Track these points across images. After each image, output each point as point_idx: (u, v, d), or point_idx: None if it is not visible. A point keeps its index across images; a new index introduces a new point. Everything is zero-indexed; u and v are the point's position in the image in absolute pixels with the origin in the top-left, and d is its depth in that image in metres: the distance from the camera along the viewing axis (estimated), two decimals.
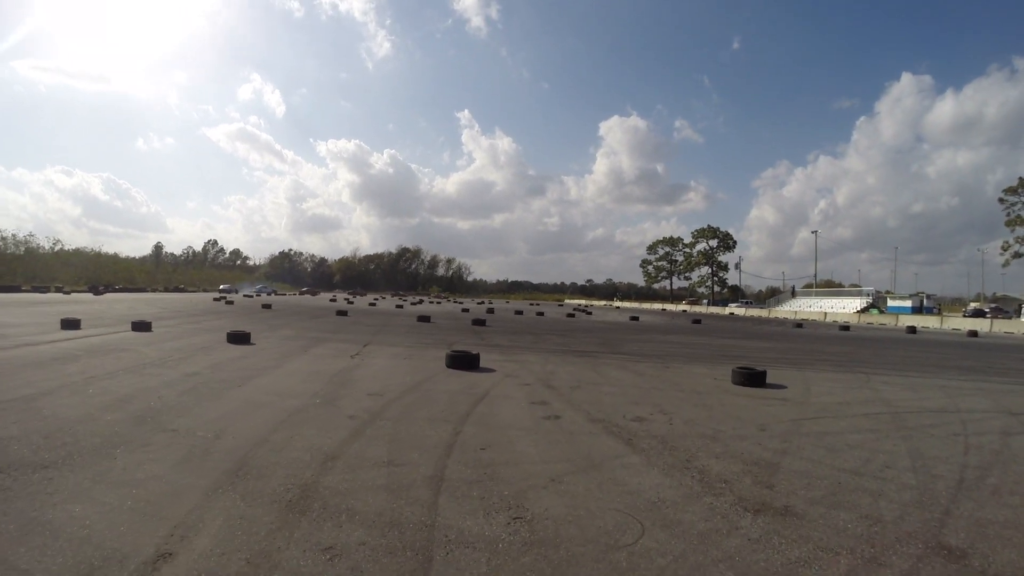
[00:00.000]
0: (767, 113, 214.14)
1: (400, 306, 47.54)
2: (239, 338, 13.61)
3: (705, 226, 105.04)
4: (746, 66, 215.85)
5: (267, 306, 36.52)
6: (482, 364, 11.08)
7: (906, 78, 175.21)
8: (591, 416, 7.30)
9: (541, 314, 41.94)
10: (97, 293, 49.37)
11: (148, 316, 19.78)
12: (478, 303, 70.02)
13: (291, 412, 6.58)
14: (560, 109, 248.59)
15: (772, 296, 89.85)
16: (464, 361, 10.77)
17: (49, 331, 14.98)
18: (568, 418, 7.10)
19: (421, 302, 67.02)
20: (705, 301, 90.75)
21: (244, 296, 63.16)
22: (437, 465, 4.85)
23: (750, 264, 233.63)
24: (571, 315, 41.98)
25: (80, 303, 31.73)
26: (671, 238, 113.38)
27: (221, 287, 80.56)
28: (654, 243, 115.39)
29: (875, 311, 58.25)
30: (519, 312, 44.18)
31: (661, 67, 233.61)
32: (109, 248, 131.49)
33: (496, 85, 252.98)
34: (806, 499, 4.49)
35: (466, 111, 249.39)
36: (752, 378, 10.02)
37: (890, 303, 63.19)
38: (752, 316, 59.72)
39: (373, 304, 50.80)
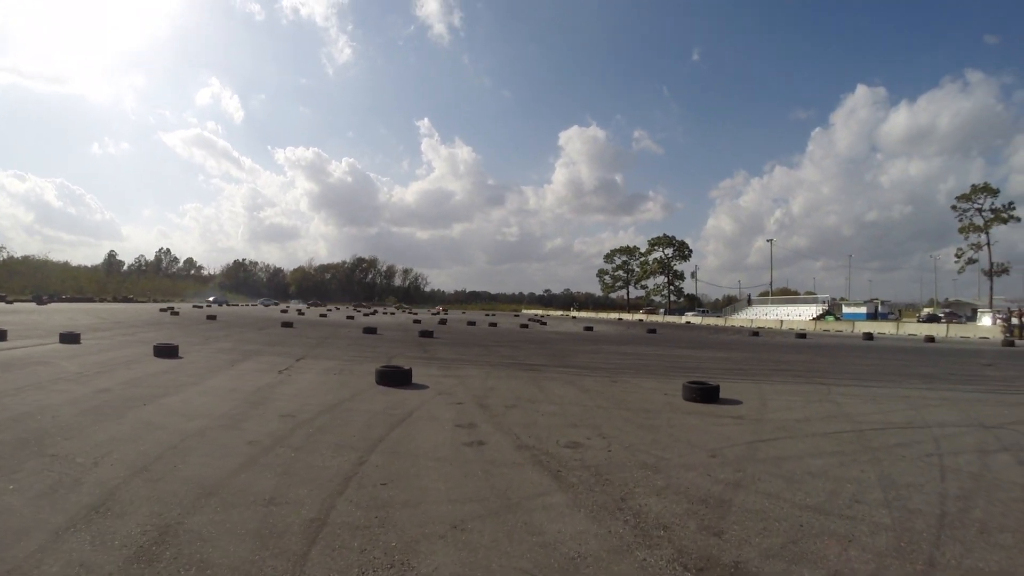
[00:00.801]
0: (725, 123, 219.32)
1: (351, 317, 46.18)
2: (166, 351, 13.10)
3: (661, 235, 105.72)
4: (706, 77, 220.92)
5: (212, 317, 34.85)
6: (417, 380, 10.48)
7: (861, 90, 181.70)
8: (520, 442, 6.36)
9: (495, 325, 41.21)
10: (41, 303, 47.18)
11: (85, 327, 19.32)
12: (432, 313, 68.88)
13: (187, 436, 6.00)
14: (520, 118, 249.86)
15: (729, 304, 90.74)
16: (395, 377, 10.05)
17: None
18: (493, 444, 6.21)
19: (375, 313, 65.53)
20: (662, 310, 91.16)
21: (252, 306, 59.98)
22: (324, 505, 4.16)
23: (707, 273, 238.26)
24: (525, 326, 41.32)
25: (19, 313, 29.80)
26: (628, 247, 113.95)
27: (211, 299, 77.65)
28: (611, 252, 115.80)
29: (831, 318, 59.10)
30: (472, 323, 43.27)
31: (621, 77, 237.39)
32: (63, 256, 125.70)
33: (457, 93, 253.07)
34: (761, 550, 3.61)
35: (426, 119, 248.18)
36: (704, 394, 9.19)
37: (845, 310, 64.34)
38: (708, 325, 59.87)
39: (324, 316, 49.33)
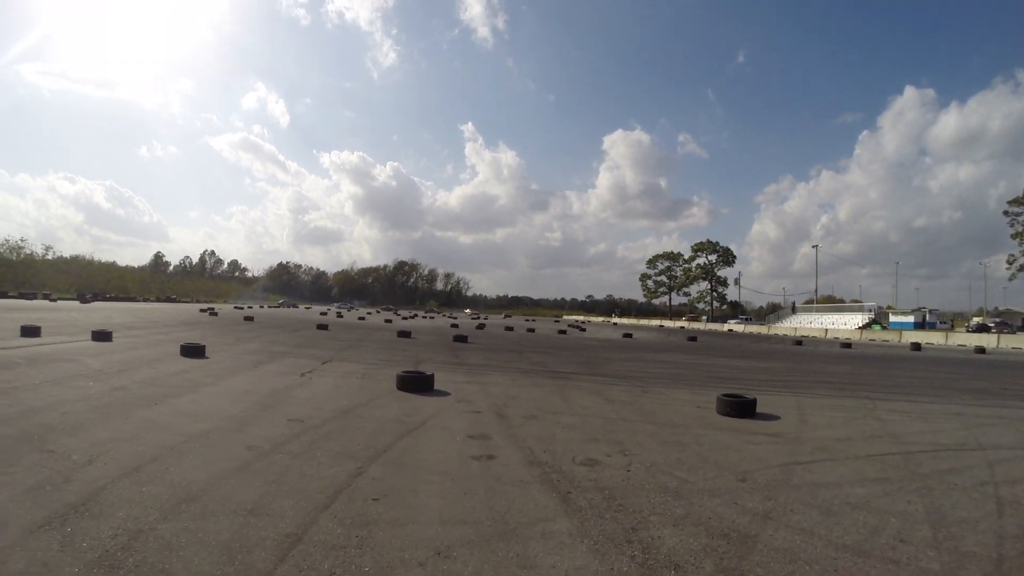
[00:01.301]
0: (771, 127, 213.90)
1: (389, 320, 46.57)
2: (193, 351, 13.05)
3: (705, 240, 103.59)
4: (751, 80, 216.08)
5: (249, 318, 35.29)
6: (440, 386, 10.13)
7: (909, 92, 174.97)
8: (533, 457, 5.95)
9: (532, 331, 40.62)
10: (84, 301, 48.40)
11: (120, 325, 19.81)
12: (472, 318, 68.76)
13: (189, 438, 5.86)
14: (564, 122, 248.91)
15: (772, 312, 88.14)
16: (416, 383, 9.69)
17: (5, 338, 14.41)
18: (503, 459, 5.80)
19: (414, 316, 65.85)
20: (704, 317, 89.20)
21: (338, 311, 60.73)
22: (305, 520, 3.91)
23: (751, 280, 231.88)
24: (563, 332, 40.81)
25: (60, 311, 30.67)
26: (671, 253, 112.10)
27: (337, 305, 77.91)
28: (654, 257, 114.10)
29: (877, 327, 56.73)
30: (510, 328, 42.73)
31: (665, 80, 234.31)
32: (111, 256, 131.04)
33: (501, 97, 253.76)
34: None
35: (470, 124, 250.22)
36: (740, 408, 8.64)
37: (892, 319, 61.67)
38: (751, 333, 58.25)
39: (362, 318, 49.79)
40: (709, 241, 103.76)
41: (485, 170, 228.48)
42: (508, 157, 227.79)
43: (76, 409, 6.95)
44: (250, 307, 68.18)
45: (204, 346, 13.55)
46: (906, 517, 4.51)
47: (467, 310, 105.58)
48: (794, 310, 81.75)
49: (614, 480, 5.32)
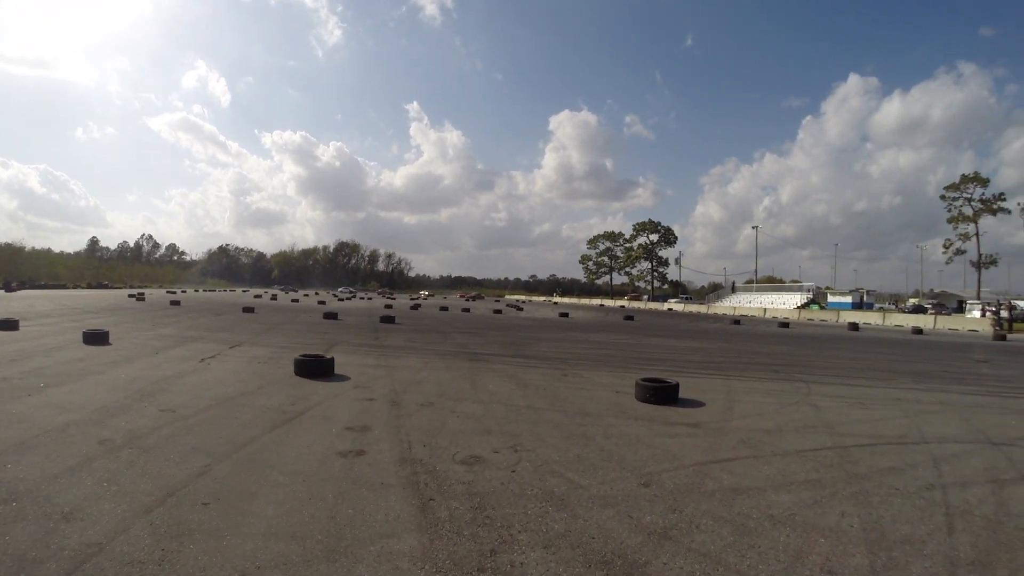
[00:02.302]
0: (717, 110, 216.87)
1: (323, 302, 44.59)
2: (96, 338, 12.62)
3: (647, 220, 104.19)
4: (699, 62, 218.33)
5: (176, 303, 33.26)
6: (344, 370, 9.73)
7: (853, 79, 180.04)
8: (408, 454, 5.11)
9: (467, 311, 39.76)
10: (9, 290, 45.83)
11: (36, 313, 19.99)
12: (412, 299, 67.27)
13: (45, 431, 5.45)
14: (511, 102, 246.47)
15: (714, 292, 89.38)
16: (314, 368, 9.09)
17: None
18: (374, 455, 5.05)
19: (352, 297, 63.84)
20: (646, 297, 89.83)
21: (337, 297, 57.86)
22: (117, 527, 3.39)
23: (695, 260, 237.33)
24: (498, 311, 39.98)
25: None
26: (611, 233, 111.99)
27: (339, 290, 75.28)
28: (594, 238, 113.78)
29: (815, 307, 57.92)
30: (444, 308, 41.76)
31: (613, 61, 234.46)
32: (46, 243, 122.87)
33: (448, 77, 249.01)
34: None
35: (415, 103, 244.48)
36: (660, 393, 7.72)
37: (831, 299, 63.12)
38: (690, 312, 58.64)
39: (296, 300, 47.80)
40: (651, 221, 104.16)
41: (430, 150, 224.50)
42: (454, 137, 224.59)
43: None
44: (184, 291, 65.55)
45: (107, 332, 13.05)
46: (838, 536, 3.57)
47: (420, 292, 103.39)
48: (734, 289, 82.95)
49: (492, 483, 4.34)
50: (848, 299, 60.38)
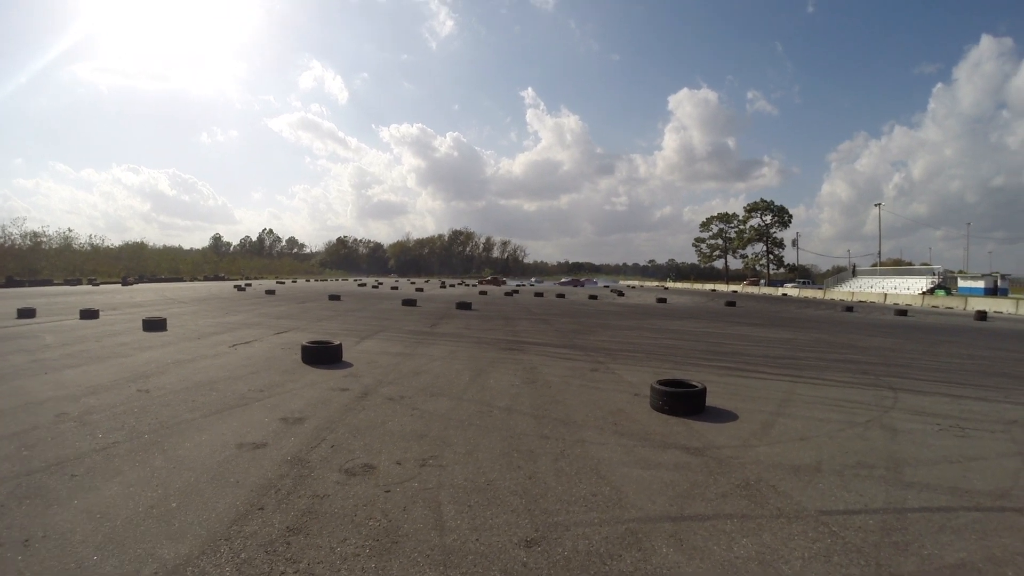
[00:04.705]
0: (844, 81, 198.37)
1: (420, 290, 45.10)
2: (154, 325, 12.95)
3: (759, 199, 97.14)
4: (821, 31, 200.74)
5: (271, 292, 34.73)
6: (362, 356, 9.61)
7: (986, 41, 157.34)
8: (304, 454, 4.50)
9: (562, 296, 38.49)
10: (126, 284, 49.09)
11: (133, 303, 21.02)
12: (517, 286, 66.91)
13: (26, 403, 5.91)
14: (628, 83, 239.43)
15: (834, 276, 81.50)
16: (319, 354, 8.81)
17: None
18: (272, 450, 4.61)
19: (459, 285, 64.39)
20: (762, 281, 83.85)
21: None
22: None
23: (820, 243, 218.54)
24: (593, 297, 38.20)
25: (91, 294, 30.36)
26: (725, 214, 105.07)
27: (532, 280, 79.03)
28: (707, 219, 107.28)
29: (941, 292, 50.61)
30: (539, 295, 40.51)
31: (732, 34, 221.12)
32: (178, 241, 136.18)
33: (563, 60, 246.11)
34: None
35: (530, 89, 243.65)
36: (678, 401, 6.02)
37: (961, 284, 55.04)
38: (804, 298, 53.41)
39: (395, 288, 48.83)
40: (763, 200, 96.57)
41: (548, 136, 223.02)
42: (571, 122, 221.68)
43: None
44: (294, 281, 70.10)
45: (165, 320, 13.42)
46: None
47: (533, 279, 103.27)
48: (854, 273, 74.71)
49: (348, 502, 3.58)
50: (980, 284, 52.15)
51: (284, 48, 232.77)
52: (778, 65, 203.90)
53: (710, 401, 6.49)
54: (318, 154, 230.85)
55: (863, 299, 47.71)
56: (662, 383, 6.34)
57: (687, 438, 5.08)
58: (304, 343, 9.04)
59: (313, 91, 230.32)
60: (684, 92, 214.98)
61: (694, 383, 6.39)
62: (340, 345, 9.13)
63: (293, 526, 3.19)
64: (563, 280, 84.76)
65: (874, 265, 74.34)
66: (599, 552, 2.93)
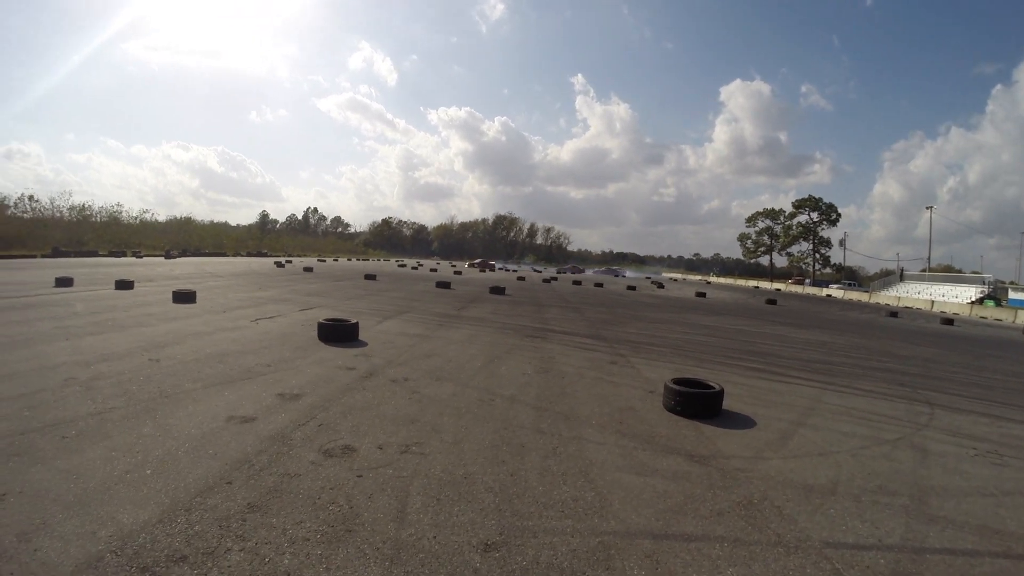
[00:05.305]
0: (901, 77, 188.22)
1: (459, 272, 45.61)
2: (183, 297, 12.99)
3: (807, 196, 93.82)
4: (880, 23, 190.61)
5: (308, 269, 35.02)
6: (372, 337, 9.38)
7: None
8: (289, 431, 4.42)
9: (600, 285, 37.95)
10: (169, 257, 50.07)
11: (171, 276, 21.29)
12: (558, 271, 66.45)
13: (39, 368, 5.98)
14: (679, 72, 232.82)
15: (881, 279, 78.23)
16: (335, 332, 8.76)
17: (35, 289, 14.65)
18: (260, 425, 4.57)
19: (490, 269, 64.33)
20: (807, 280, 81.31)
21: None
22: None
23: (870, 244, 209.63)
24: (632, 288, 37.65)
25: (132, 266, 31.01)
26: (771, 210, 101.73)
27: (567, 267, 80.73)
28: (753, 215, 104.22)
29: (991, 303, 47.75)
30: (577, 283, 39.95)
31: (788, 25, 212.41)
32: (225, 217, 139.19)
33: (614, 47, 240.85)
34: None
35: (580, 75, 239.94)
36: (692, 402, 5.70)
37: (1012, 295, 51.95)
38: (848, 300, 51.47)
39: (434, 270, 48.76)
40: (811, 197, 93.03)
41: (597, 123, 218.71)
42: (621, 110, 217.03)
43: None
44: (336, 259, 70.40)
45: (195, 292, 13.46)
46: None
47: (567, 267, 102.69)
48: (901, 278, 71.49)
49: (315, 484, 3.41)
50: None
51: (334, 28, 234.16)
52: (834, 59, 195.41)
53: (728, 404, 6.13)
54: (366, 135, 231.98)
55: (909, 305, 45.75)
56: (677, 382, 6.01)
57: (694, 444, 4.76)
58: (320, 320, 9.00)
59: (362, 72, 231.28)
60: (737, 83, 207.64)
61: (711, 383, 6.04)
62: (357, 324, 9.07)
63: (255, 503, 3.12)
64: (475, 261, 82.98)
65: (923, 271, 71.11)
66: (561, 566, 2.67)
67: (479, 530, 2.95)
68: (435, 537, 2.85)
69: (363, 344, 8.60)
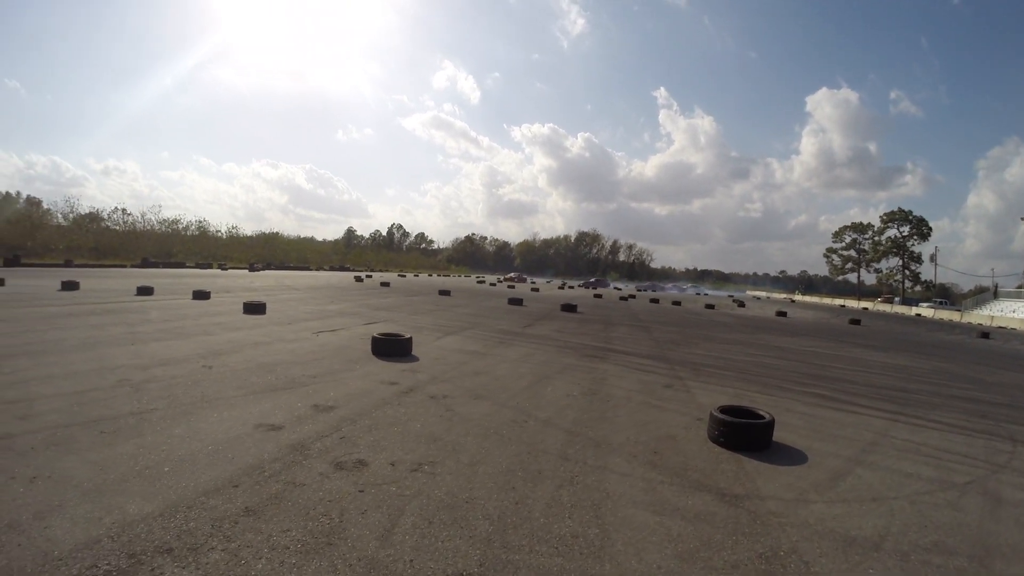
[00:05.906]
0: (994, 79, 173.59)
1: (536, 289, 45.94)
2: (254, 308, 13.62)
3: (896, 209, 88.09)
4: (970, 22, 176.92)
5: (385, 284, 36.28)
6: (425, 352, 9.53)
7: None
8: (312, 441, 4.58)
9: (678, 304, 37.18)
10: (252, 270, 53.19)
11: (250, 288, 22.31)
12: (638, 289, 65.41)
13: (98, 368, 6.57)
14: (764, 82, 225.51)
15: (974, 297, 71.86)
16: (388, 347, 8.97)
17: (118, 296, 16.12)
18: (287, 433, 4.68)
19: (567, 286, 64.31)
20: (897, 299, 76.29)
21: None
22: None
23: (965, 260, 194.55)
24: (710, 306, 36.39)
25: (213, 277, 33.20)
26: (859, 224, 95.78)
27: (515, 275, 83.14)
28: (840, 229, 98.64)
29: None
30: (655, 301, 39.23)
31: (874, 28, 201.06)
32: (313, 233, 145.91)
33: (696, 59, 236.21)
34: None
35: (662, 89, 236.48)
36: (736, 433, 5.34)
37: None
38: (938, 320, 47.69)
39: (511, 287, 49.54)
40: (901, 210, 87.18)
41: (681, 137, 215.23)
42: (705, 123, 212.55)
43: (46, 342, 8.09)
44: (416, 275, 72.90)
45: (265, 304, 14.07)
46: None
47: (647, 284, 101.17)
48: (995, 295, 65.31)
49: (318, 494, 3.42)
50: None
51: (417, 48, 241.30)
52: (924, 62, 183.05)
53: (781, 436, 5.72)
54: (451, 152, 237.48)
55: (1003, 324, 41.93)
56: (723, 410, 5.67)
57: (731, 481, 4.43)
58: (375, 335, 9.17)
59: (446, 90, 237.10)
60: (823, 92, 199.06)
61: (762, 412, 5.65)
62: (410, 339, 9.21)
63: (252, 507, 3.24)
64: (508, 276, 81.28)
65: (1019, 287, 64.87)
66: None
67: (459, 559, 2.83)
68: (411, 561, 2.78)
69: (414, 359, 8.76)
